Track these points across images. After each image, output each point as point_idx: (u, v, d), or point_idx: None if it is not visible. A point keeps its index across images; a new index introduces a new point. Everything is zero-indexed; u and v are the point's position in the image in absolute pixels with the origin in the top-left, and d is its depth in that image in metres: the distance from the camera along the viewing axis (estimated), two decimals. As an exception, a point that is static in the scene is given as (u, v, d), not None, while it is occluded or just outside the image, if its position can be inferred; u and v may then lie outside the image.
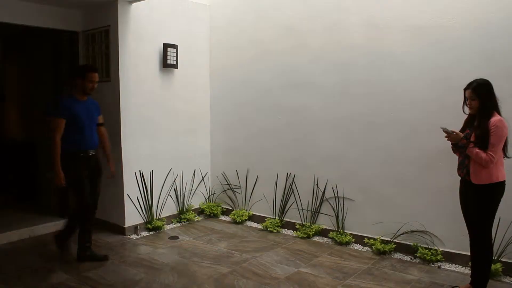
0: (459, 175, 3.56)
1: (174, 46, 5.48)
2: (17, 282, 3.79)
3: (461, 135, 3.42)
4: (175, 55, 5.49)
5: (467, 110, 3.49)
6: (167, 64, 5.45)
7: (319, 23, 5.08)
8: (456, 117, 3.64)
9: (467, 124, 3.53)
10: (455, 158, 3.61)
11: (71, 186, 4.19)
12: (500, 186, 3.34)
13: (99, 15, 5.18)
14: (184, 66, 5.73)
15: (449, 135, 3.45)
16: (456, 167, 3.57)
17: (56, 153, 4.02)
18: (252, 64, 5.75)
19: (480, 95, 3.32)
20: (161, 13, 5.46)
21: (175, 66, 5.53)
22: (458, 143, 3.43)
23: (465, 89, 3.43)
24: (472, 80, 3.40)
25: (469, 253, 3.62)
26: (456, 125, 3.57)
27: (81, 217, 4.26)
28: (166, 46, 5.41)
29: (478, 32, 4.03)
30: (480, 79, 3.38)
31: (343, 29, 4.90)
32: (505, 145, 3.36)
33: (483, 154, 3.25)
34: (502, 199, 3.36)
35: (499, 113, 3.33)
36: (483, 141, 3.27)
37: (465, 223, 3.58)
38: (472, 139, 3.36)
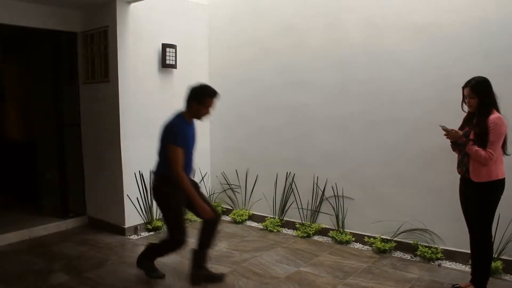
0: (459, 173, 3.56)
1: (173, 46, 5.47)
2: (17, 283, 3.79)
3: (460, 133, 3.42)
4: (174, 55, 5.48)
5: (466, 108, 3.49)
6: (166, 64, 5.44)
7: (319, 22, 5.07)
8: (456, 115, 3.63)
9: (466, 122, 3.52)
10: (455, 156, 3.61)
11: (170, 212, 3.63)
12: (499, 184, 3.34)
13: (97, 16, 5.17)
14: (183, 66, 5.72)
15: (448, 133, 3.44)
16: (456, 165, 3.57)
17: (189, 188, 3.46)
18: (252, 63, 5.75)
19: (479, 93, 3.31)
20: (160, 13, 5.45)
21: (174, 66, 5.52)
22: (458, 141, 3.43)
23: (463, 87, 3.42)
24: (471, 78, 3.40)
25: (469, 251, 3.62)
26: (456, 124, 3.57)
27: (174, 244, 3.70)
28: (165, 46, 5.40)
29: (477, 31, 4.03)
30: (479, 77, 3.37)
31: (343, 28, 4.89)
32: (505, 143, 3.35)
33: (482, 152, 3.25)
34: (502, 197, 3.36)
35: (498, 111, 3.33)
36: (483, 139, 3.27)
37: (465, 221, 3.58)
38: (471, 137, 3.36)
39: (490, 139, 3.24)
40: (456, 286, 3.66)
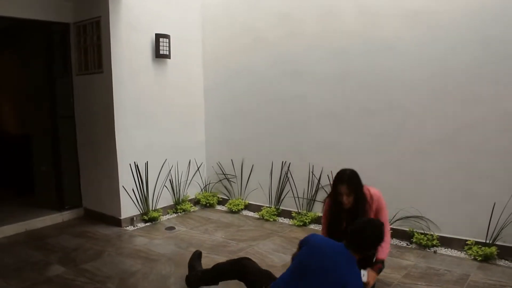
0: None
1: (166, 36, 5.42)
2: (14, 275, 3.78)
3: (374, 273, 3.13)
4: (167, 45, 5.43)
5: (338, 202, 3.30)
6: (159, 55, 5.40)
7: (314, 11, 5.03)
8: (453, 103, 3.63)
9: (339, 217, 3.32)
10: (450, 144, 3.62)
11: None
12: None
13: (90, 6, 5.11)
14: (177, 56, 5.68)
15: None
16: (452, 157, 3.58)
17: None
18: (246, 53, 5.71)
19: (355, 188, 3.21)
20: (153, 3, 5.39)
21: (167, 56, 5.48)
22: (378, 274, 3.24)
23: (337, 184, 3.22)
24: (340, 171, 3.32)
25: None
26: (455, 114, 3.56)
27: None
28: (158, 36, 5.35)
29: (474, 17, 4.00)
30: (348, 170, 3.27)
31: (338, 16, 4.85)
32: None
33: (386, 242, 3.12)
34: (496, 185, 3.37)
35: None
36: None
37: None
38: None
39: (384, 217, 3.23)
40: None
